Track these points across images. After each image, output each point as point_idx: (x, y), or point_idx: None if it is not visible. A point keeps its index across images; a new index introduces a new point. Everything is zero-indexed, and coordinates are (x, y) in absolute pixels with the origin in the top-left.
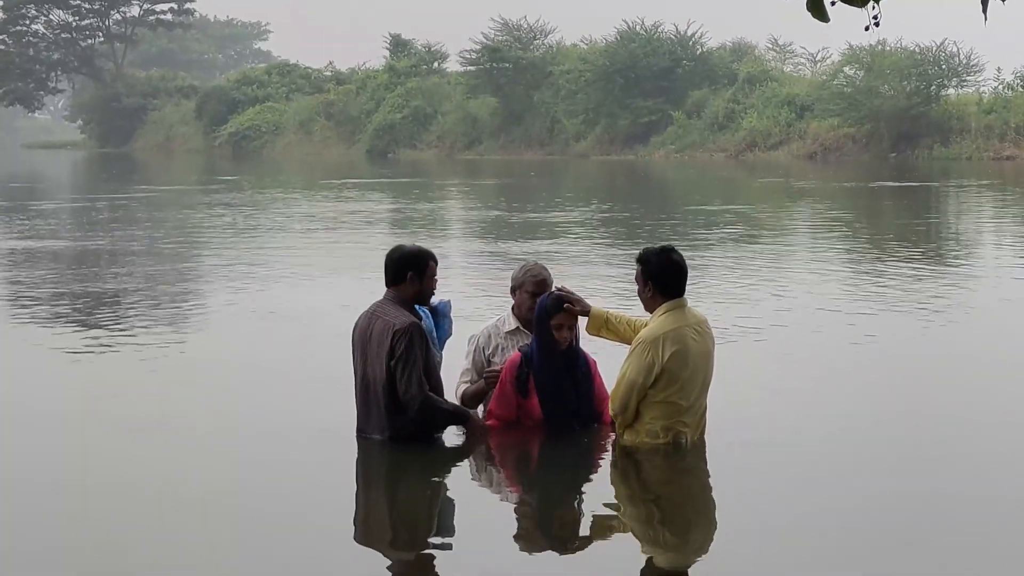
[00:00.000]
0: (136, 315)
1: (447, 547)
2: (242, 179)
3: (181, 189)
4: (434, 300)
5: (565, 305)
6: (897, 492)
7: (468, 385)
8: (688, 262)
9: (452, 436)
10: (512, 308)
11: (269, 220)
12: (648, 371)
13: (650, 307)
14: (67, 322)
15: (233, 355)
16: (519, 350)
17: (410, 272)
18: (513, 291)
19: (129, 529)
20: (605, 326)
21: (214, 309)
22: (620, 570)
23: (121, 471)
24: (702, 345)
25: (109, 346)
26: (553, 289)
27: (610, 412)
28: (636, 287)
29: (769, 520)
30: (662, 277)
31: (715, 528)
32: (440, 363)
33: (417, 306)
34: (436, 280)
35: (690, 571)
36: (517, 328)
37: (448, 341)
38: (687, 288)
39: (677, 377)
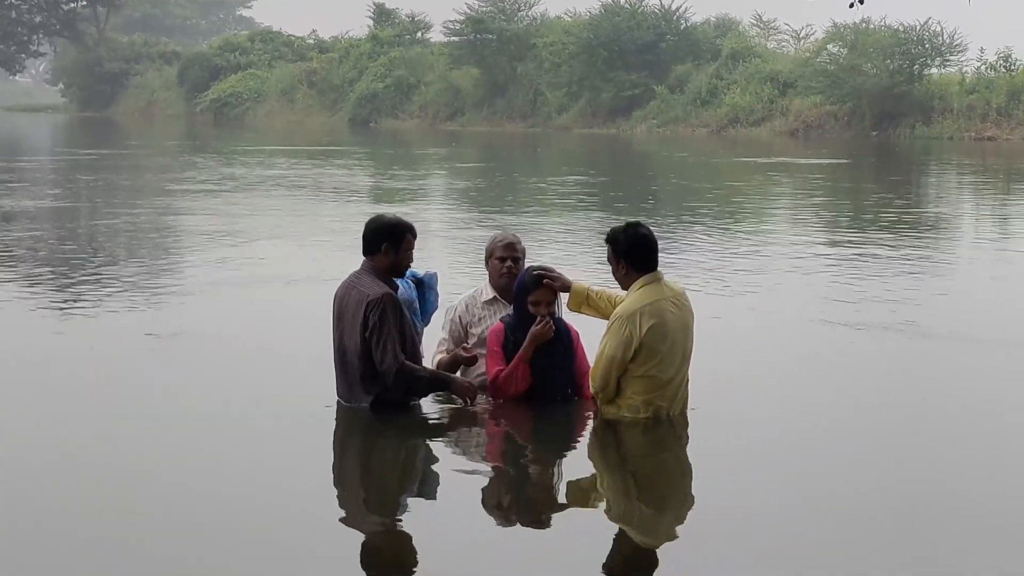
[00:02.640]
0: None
1: (423, 517)
2: (185, 143)
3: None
4: (420, 272)
5: (544, 281)
6: (878, 476)
7: (444, 355)
8: (667, 237)
9: (430, 404)
10: (488, 277)
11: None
12: (627, 346)
13: (626, 284)
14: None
15: (201, 326)
16: (501, 320)
17: (385, 243)
18: (486, 261)
19: (111, 513)
20: (586, 302)
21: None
22: (594, 543)
23: (98, 454)
24: (680, 318)
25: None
26: (528, 265)
27: (591, 389)
28: (611, 268)
29: (745, 499)
30: (632, 252)
31: (691, 505)
32: (422, 335)
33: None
34: (412, 253)
35: (662, 548)
36: (494, 298)
37: (434, 313)
38: (661, 262)
39: (656, 351)
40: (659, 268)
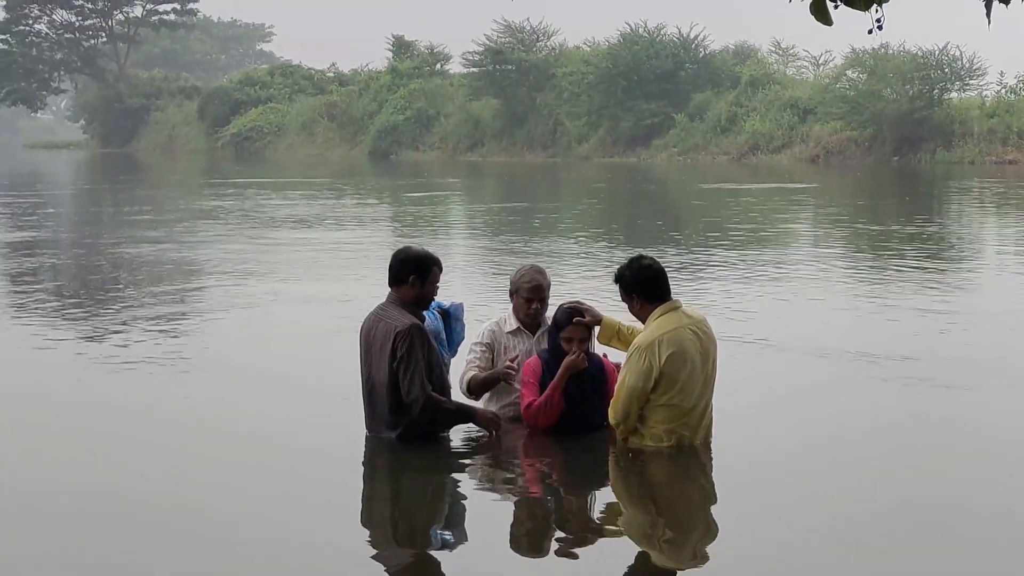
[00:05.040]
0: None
1: (450, 547)
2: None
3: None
4: (446, 303)
5: (575, 319)
6: (899, 501)
7: (477, 371)
8: (688, 268)
9: (458, 435)
10: (512, 309)
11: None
12: (647, 376)
13: (643, 318)
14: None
15: (227, 356)
16: (538, 355)
17: (412, 275)
18: (511, 294)
19: (132, 534)
20: (616, 336)
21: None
22: (619, 573)
23: (124, 476)
24: (700, 345)
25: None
26: (562, 303)
27: (610, 420)
28: (627, 307)
29: (769, 527)
30: (640, 284)
31: (715, 534)
32: (449, 365)
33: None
34: (438, 287)
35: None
36: (518, 328)
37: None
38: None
39: (676, 379)
40: (675, 297)
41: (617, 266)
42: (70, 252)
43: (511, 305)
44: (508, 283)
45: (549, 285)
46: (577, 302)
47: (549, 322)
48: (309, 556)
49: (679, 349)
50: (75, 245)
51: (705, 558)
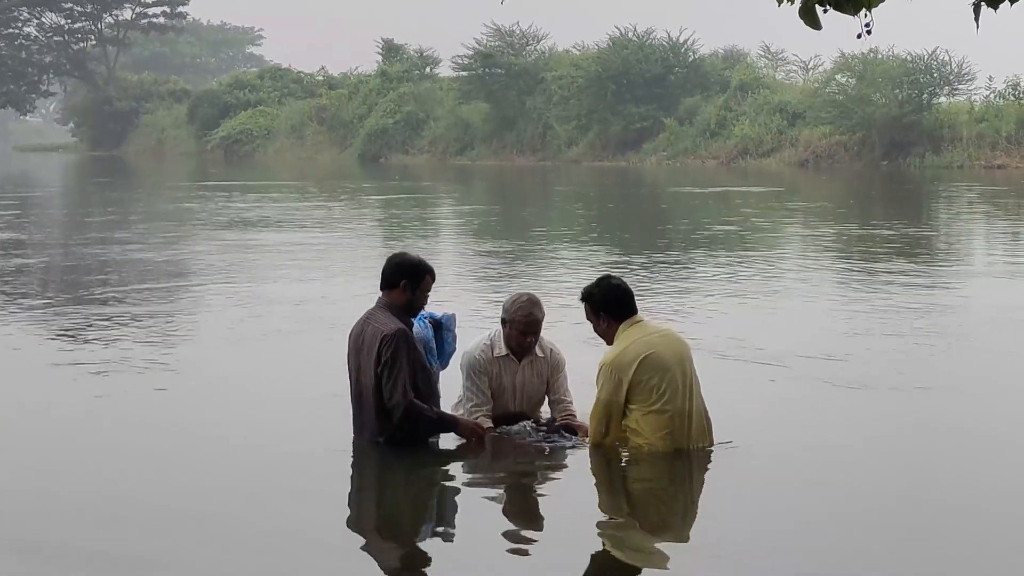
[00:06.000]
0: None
1: (438, 550)
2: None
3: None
4: (438, 313)
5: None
6: (888, 510)
7: (484, 417)
8: (672, 280)
9: (446, 439)
10: (503, 336)
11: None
12: (617, 389)
13: (609, 336)
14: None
15: (202, 360)
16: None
17: (404, 280)
18: (503, 322)
19: (121, 542)
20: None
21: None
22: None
23: (112, 484)
24: (669, 349)
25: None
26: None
27: (591, 439)
28: (591, 326)
29: (758, 535)
30: (607, 302)
31: (700, 539)
32: (438, 376)
33: (416, 317)
34: (428, 296)
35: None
36: (507, 355)
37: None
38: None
39: (650, 385)
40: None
41: (549, 273)
42: (37, 253)
43: (502, 332)
44: (470, 287)
45: (543, 316)
46: (570, 415)
47: (538, 348)
48: (298, 557)
49: (647, 355)
50: (42, 246)
51: (691, 554)
